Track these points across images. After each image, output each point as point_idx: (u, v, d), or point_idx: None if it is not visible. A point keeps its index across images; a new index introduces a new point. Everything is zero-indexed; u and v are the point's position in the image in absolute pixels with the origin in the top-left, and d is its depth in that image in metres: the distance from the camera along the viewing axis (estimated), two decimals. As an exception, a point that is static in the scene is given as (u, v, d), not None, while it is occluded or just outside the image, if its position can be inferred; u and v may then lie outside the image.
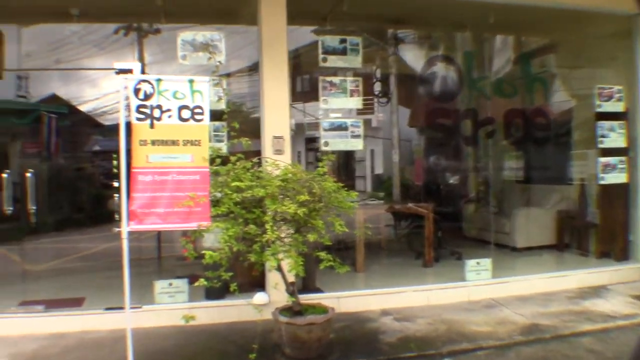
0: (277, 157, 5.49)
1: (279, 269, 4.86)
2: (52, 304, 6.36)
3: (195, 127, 4.75)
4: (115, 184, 4.92)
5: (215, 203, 4.72)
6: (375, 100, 13.69)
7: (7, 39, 12.67)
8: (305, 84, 14.55)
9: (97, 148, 18.88)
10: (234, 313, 6.25)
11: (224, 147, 5.62)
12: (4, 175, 7.44)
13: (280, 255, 4.72)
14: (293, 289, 5.18)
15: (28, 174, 7.45)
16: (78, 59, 12.06)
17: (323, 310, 5.32)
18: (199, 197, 4.59)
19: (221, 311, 6.28)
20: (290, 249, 4.67)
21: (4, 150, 15.41)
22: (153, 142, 4.66)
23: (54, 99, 15.83)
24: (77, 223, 14.25)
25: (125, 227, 4.52)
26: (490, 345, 5.60)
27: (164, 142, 4.68)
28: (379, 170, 18.88)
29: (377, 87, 12.83)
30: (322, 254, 4.58)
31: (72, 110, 15.96)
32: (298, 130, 11.50)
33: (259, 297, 6.24)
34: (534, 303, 6.89)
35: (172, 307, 6.20)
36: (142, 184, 4.59)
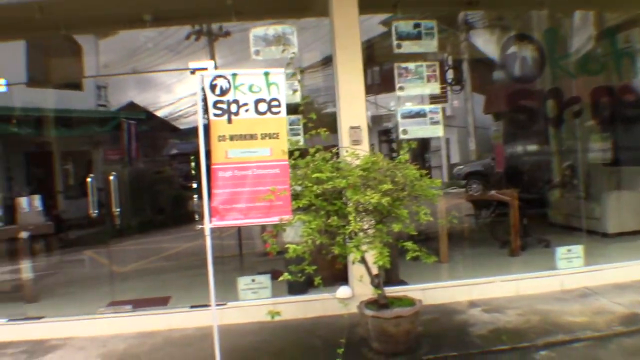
0: (355, 148, 5.32)
1: (363, 261, 4.69)
2: (139, 304, 6.45)
3: (272, 120, 4.65)
4: (194, 185, 4.90)
5: (296, 196, 4.60)
6: (449, 88, 13.33)
7: (86, 51, 13.19)
8: (375, 76, 14.35)
9: (174, 151, 19.40)
10: (317, 307, 6.14)
11: (301, 140, 5.49)
12: (89, 179, 7.57)
13: (364, 247, 4.56)
14: (378, 281, 5.00)
15: (111, 177, 7.56)
16: (153, 65, 12.32)
17: (410, 302, 5.13)
18: (279, 191, 4.49)
19: (305, 306, 6.18)
20: (374, 240, 4.50)
21: (88, 157, 16.01)
22: (231, 138, 4.59)
23: (132, 106, 16.37)
24: (159, 224, 14.59)
25: (208, 224, 4.47)
26: (589, 337, 5.25)
27: (242, 137, 4.61)
28: (455, 159, 18.43)
29: (450, 74, 12.49)
30: (409, 244, 4.37)
31: (150, 116, 16.51)
32: (370, 122, 11.28)
33: (343, 291, 6.11)
34: (632, 291, 6.43)
35: (256, 303, 6.17)
36: (222, 180, 4.54)
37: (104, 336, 6.00)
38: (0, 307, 6.89)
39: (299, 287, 6.28)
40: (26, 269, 7.48)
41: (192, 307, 6.17)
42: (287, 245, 4.36)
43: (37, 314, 6.47)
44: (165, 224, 14.55)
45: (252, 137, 4.61)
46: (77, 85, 15.76)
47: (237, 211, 4.54)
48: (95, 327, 6.11)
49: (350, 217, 4.31)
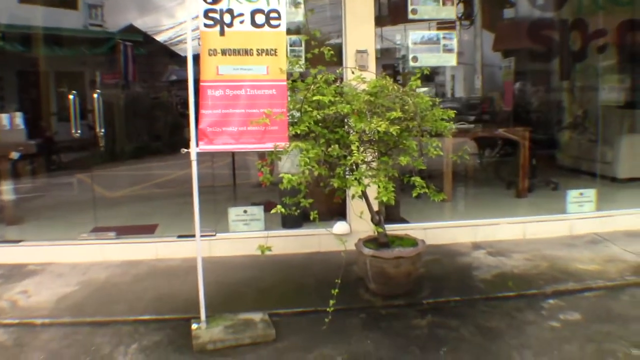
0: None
1: (364, 196, 4.24)
2: (124, 231, 6.04)
3: (270, 35, 4.09)
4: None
5: (293, 122, 4.10)
6: (458, 22, 12.58)
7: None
8: (382, 8, 13.54)
9: (173, 77, 18.76)
10: (312, 243, 5.75)
11: (302, 62, 4.92)
12: (71, 97, 7.01)
13: (367, 181, 4.10)
14: (380, 219, 4.58)
15: (95, 95, 7.01)
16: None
17: (412, 242, 4.72)
18: (275, 114, 3.99)
19: (299, 240, 5.78)
20: (378, 173, 4.03)
21: (84, 79, 15.37)
22: (223, 52, 4.04)
23: (131, 29, 15.58)
24: (155, 151, 14.11)
25: (194, 148, 3.99)
26: (600, 286, 4.89)
27: (235, 52, 4.06)
28: (460, 96, 17.74)
29: (460, 8, 11.75)
30: (417, 179, 3.90)
31: (148, 39, 15.72)
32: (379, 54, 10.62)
33: (340, 227, 5.71)
34: (645, 239, 6.05)
35: (247, 235, 5.76)
36: (211, 100, 4.02)
37: (86, 263, 5.62)
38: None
39: (293, 221, 5.87)
40: (9, 190, 7.05)
41: (179, 236, 5.77)
42: (281, 175, 3.87)
43: (17, 237, 6.08)
44: (161, 150, 14.08)
45: (246, 52, 4.05)
46: (71, 3, 14.97)
47: (227, 135, 4.04)
48: (77, 253, 5.72)
49: (353, 147, 3.81)
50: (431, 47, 5.89)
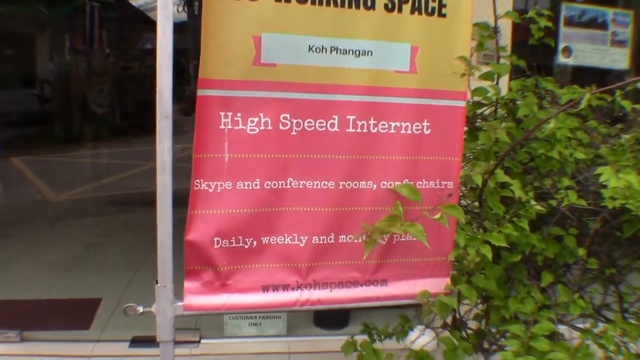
0: None
1: None
2: (38, 322, 3.30)
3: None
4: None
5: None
6: None
7: None
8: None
9: (148, 46, 16.36)
10: None
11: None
12: None
13: None
14: None
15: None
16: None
17: None
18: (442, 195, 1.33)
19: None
20: None
21: (40, 42, 12.69)
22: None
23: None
24: (120, 132, 11.43)
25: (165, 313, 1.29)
26: None
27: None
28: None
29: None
30: None
31: (121, 2, 13.03)
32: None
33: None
34: None
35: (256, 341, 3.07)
36: (230, 144, 1.39)
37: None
38: None
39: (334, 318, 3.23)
40: None
41: (133, 342, 3.02)
42: None
43: None
44: (129, 132, 11.41)
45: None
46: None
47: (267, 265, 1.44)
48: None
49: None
50: (594, 33, 3.25)
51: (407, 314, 1.95)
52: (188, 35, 12.92)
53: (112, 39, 13.17)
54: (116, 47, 14.08)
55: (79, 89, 10.57)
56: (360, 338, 1.81)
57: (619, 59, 3.32)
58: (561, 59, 3.22)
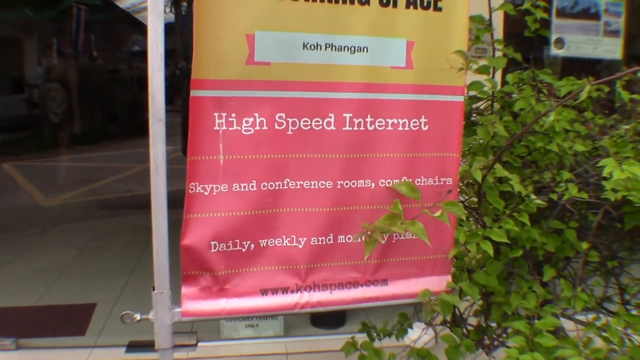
0: None
1: None
2: (34, 330, 3.25)
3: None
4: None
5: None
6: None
7: None
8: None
9: (136, 48, 16.22)
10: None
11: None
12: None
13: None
14: None
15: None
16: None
17: None
18: (442, 193, 1.33)
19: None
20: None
21: (26, 46, 12.53)
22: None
23: (92, -7, 12.87)
24: (110, 135, 11.32)
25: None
26: None
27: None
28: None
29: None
30: None
31: (108, 5, 12.89)
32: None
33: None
34: None
35: (253, 343, 3.05)
36: (225, 144, 1.35)
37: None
38: None
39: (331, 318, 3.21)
40: None
41: (129, 348, 2.99)
42: None
43: None
44: (118, 135, 11.31)
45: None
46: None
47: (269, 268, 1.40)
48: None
49: None
50: (586, 24, 3.23)
51: (405, 311, 1.94)
52: (176, 37, 12.83)
53: (99, 42, 13.13)
54: (103, 51, 13.99)
55: (68, 92, 10.48)
56: (359, 337, 1.79)
57: (612, 49, 3.31)
58: (554, 50, 3.21)
